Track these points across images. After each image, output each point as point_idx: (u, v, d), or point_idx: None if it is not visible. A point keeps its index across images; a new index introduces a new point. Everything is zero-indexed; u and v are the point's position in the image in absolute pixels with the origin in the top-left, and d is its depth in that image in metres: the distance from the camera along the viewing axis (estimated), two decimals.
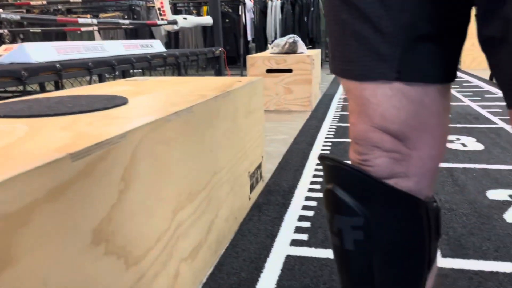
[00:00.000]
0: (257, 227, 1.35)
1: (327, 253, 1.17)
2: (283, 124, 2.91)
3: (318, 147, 2.26)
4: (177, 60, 3.25)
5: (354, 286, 0.58)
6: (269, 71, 3.28)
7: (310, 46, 3.78)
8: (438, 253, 1.15)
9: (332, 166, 0.55)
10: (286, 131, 2.69)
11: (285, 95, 3.33)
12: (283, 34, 5.96)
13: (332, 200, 0.55)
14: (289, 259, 1.15)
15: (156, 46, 3.33)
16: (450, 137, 2.30)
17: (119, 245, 0.70)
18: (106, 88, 1.35)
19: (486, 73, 4.63)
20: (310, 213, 1.44)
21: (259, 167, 1.66)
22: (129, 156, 0.72)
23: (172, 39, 6.70)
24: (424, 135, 0.50)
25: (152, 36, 6.27)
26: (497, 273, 1.04)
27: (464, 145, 2.16)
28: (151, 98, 1.12)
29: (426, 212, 0.53)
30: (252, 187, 1.54)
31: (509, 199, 1.47)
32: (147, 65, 2.77)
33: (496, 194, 1.52)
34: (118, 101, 1.01)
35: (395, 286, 0.55)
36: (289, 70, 3.26)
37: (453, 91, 3.85)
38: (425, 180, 0.53)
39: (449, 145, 2.15)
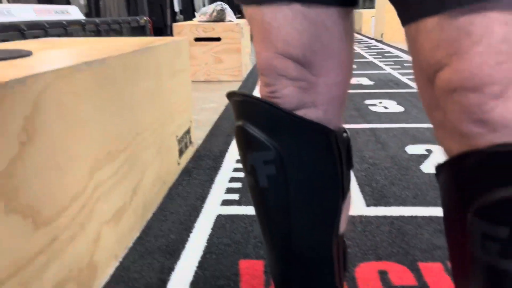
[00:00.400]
0: (186, 190, 1.31)
1: None
2: (214, 94, 2.85)
3: None
4: (98, 27, 3.04)
5: (271, 223, 0.57)
6: (197, 39, 3.18)
7: (239, 15, 3.72)
8: (363, 202, 1.20)
9: (240, 101, 0.54)
10: (216, 100, 2.64)
11: (215, 65, 3.26)
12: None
13: (243, 137, 0.53)
14: (220, 218, 1.13)
15: (73, 13, 3.09)
16: (373, 101, 2.40)
17: (24, 203, 0.63)
18: (10, 45, 1.21)
19: (405, 45, 4.89)
20: (242, 174, 1.43)
21: (188, 132, 1.61)
22: (30, 105, 0.64)
23: (93, 9, 6.27)
24: (329, 60, 0.50)
25: (68, 3, 5.81)
26: (416, 217, 1.10)
27: (386, 107, 2.26)
28: (60, 51, 1.02)
29: (336, 141, 0.53)
30: (181, 152, 1.49)
31: (425, 152, 1.57)
32: (63, 32, 2.56)
33: (414, 149, 1.61)
34: (23, 53, 0.90)
35: (311, 218, 0.56)
36: (218, 39, 3.19)
37: (376, 61, 4.03)
38: (333, 109, 0.53)
39: (372, 108, 2.24)
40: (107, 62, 0.89)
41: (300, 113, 0.51)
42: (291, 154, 0.52)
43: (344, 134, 0.55)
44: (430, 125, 1.62)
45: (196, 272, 0.90)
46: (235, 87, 3.10)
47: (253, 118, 0.52)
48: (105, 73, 0.89)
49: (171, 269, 0.92)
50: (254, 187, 0.55)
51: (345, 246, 0.62)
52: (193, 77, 3.15)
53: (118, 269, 0.92)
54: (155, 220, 1.13)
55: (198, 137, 1.84)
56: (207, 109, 2.44)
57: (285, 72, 0.50)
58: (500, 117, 0.36)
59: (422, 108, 2.10)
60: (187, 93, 1.59)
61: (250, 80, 3.33)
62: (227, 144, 1.75)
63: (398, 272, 0.88)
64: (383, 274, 0.87)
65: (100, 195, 0.87)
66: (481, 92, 0.36)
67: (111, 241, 0.92)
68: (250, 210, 1.17)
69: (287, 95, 0.51)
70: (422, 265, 0.90)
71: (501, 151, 0.36)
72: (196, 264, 0.93)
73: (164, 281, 0.88)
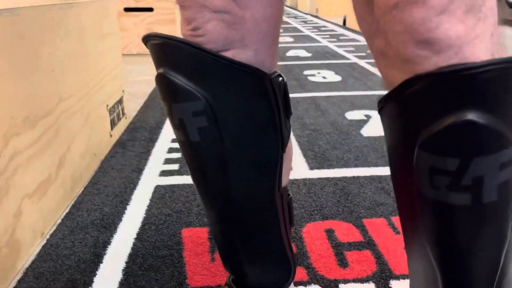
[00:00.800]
0: (121, 163, 1.22)
1: None
2: (147, 67, 2.71)
3: None
4: None
5: (208, 180, 0.52)
6: (127, 9, 2.99)
7: None
8: (306, 166, 1.18)
9: (159, 45, 0.46)
10: (150, 73, 2.50)
11: None
12: None
13: (166, 86, 0.47)
14: (159, 189, 1.06)
15: None
16: (312, 71, 2.41)
17: None
18: None
19: (340, 20, 4.97)
20: None
21: (120, 102, 1.50)
22: None
23: None
24: None
25: None
26: (358, 177, 1.11)
27: (324, 77, 2.28)
28: None
29: (272, 86, 0.48)
30: (113, 123, 1.39)
31: (364, 118, 1.59)
32: None
33: (353, 115, 1.63)
34: None
35: (250, 170, 0.51)
36: (150, 9, 3.01)
37: (313, 35, 4.05)
38: (264, 49, 0.47)
39: (311, 78, 2.25)
40: (19, 13, 0.78)
41: (228, 54, 0.45)
42: (222, 103, 0.46)
43: (280, 78, 0.49)
44: (367, 92, 1.64)
45: (134, 244, 0.84)
46: None
47: (176, 64, 0.46)
48: (17, 25, 0.78)
49: (106, 243, 0.84)
50: (185, 142, 0.49)
51: (290, 199, 0.58)
52: (125, 50, 2.97)
53: (45, 247, 0.83)
54: (87, 194, 1.03)
55: (131, 109, 1.73)
56: (140, 81, 2.31)
57: (208, 2, 0.43)
58: (445, 36, 0.33)
59: (358, 77, 2.15)
60: (116, 60, 1.47)
61: None
62: (164, 116, 1.66)
63: (344, 230, 0.87)
64: (329, 233, 0.86)
65: (19, 165, 0.77)
66: (424, 4, 0.33)
67: (35, 216, 0.82)
68: (189, 179, 1.11)
69: (211, 31, 0.44)
70: (366, 222, 0.90)
71: (447, 72, 0.34)
72: (134, 236, 0.86)
73: (99, 255, 0.80)
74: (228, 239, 0.57)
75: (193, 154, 0.50)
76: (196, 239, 0.85)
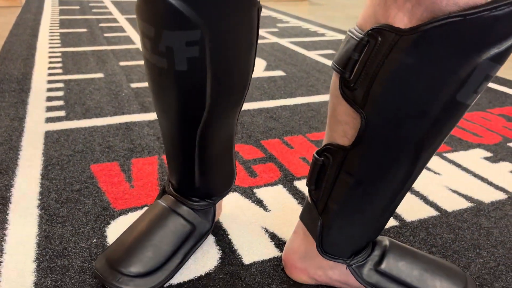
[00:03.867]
0: None
1: (95, 122, 1.08)
2: None
3: (45, 38, 1.95)
4: None
5: (184, 108, 0.51)
6: None
7: None
8: None
9: None
10: None
11: None
12: None
13: (162, 10, 0.43)
14: (51, 134, 1.01)
15: None
16: None
17: None
18: None
19: None
20: (60, 93, 1.28)
21: None
22: None
23: None
24: None
25: None
26: (248, 110, 1.21)
27: None
28: None
29: (258, 14, 0.49)
30: None
31: None
32: None
33: None
34: None
35: (226, 99, 0.52)
36: None
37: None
38: None
39: None
40: None
41: None
42: (217, 32, 0.45)
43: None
44: None
45: (42, 183, 0.80)
46: (15, 11, 2.61)
47: None
48: None
49: (8, 185, 0.79)
50: (164, 70, 0.47)
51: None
52: None
53: None
54: None
55: None
56: None
57: None
58: None
59: None
60: None
61: (33, 4, 2.85)
62: (29, 67, 1.51)
63: (247, 150, 0.97)
64: (236, 154, 0.95)
65: None
66: None
67: None
68: (85, 123, 1.07)
69: None
70: (264, 142, 1.01)
71: None
72: (39, 176, 0.82)
73: (5, 198, 0.75)
74: (190, 157, 0.57)
75: (173, 82, 0.48)
76: (108, 172, 0.85)
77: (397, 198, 0.49)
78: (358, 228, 0.52)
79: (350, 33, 0.43)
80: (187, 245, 0.60)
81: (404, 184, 0.47)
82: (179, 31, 0.43)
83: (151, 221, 0.61)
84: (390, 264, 0.55)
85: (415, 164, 0.45)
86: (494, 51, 0.36)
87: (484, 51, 0.36)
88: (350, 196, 0.48)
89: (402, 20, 0.38)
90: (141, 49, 0.48)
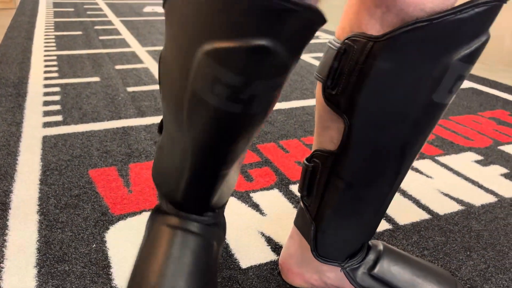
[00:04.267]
0: None
1: (92, 127, 1.09)
2: None
3: (40, 41, 1.96)
4: None
5: (231, 141, 0.44)
6: None
7: None
8: None
9: (265, 12, 0.33)
10: None
11: None
12: None
13: (264, 62, 0.35)
14: (48, 139, 1.01)
15: None
16: None
17: None
18: None
19: None
20: (56, 98, 1.28)
21: None
22: None
23: None
24: None
25: None
26: None
27: None
28: None
29: None
30: None
31: None
32: None
33: None
34: None
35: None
36: None
37: None
38: None
39: None
40: None
41: None
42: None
43: None
44: None
45: (41, 189, 0.81)
46: (9, 14, 2.61)
47: (281, 33, 0.34)
48: None
49: (7, 191, 0.80)
50: (234, 115, 0.40)
51: None
52: None
53: None
54: None
55: None
56: None
57: None
58: None
59: None
60: None
61: (27, 7, 2.84)
62: (25, 71, 1.52)
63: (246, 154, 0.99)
64: None
65: None
66: None
67: None
68: (83, 128, 1.08)
69: None
70: (260, 146, 1.03)
71: None
72: (37, 182, 0.83)
73: (5, 203, 0.76)
74: (214, 174, 0.49)
75: (235, 123, 0.41)
76: (106, 177, 0.86)
77: (387, 199, 0.51)
78: (351, 231, 0.53)
79: (329, 44, 0.45)
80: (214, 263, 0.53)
81: (392, 185, 0.49)
82: (274, 78, 0.38)
83: (168, 248, 0.51)
84: (383, 269, 0.56)
85: (402, 164, 0.47)
86: (464, 52, 0.39)
87: (453, 53, 0.39)
88: (342, 200, 0.50)
89: (374, 27, 0.40)
90: (191, 86, 0.39)
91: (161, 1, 3.37)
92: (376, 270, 0.56)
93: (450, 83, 0.41)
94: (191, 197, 0.52)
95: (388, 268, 0.56)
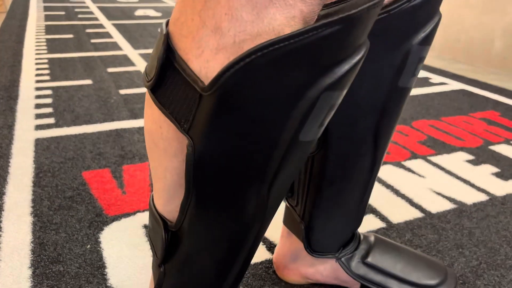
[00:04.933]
0: None
1: (85, 129, 1.09)
2: None
3: (31, 44, 1.95)
4: None
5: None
6: None
7: None
8: None
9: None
10: None
11: None
12: None
13: (350, 75, 0.29)
14: (41, 141, 1.01)
15: None
16: None
17: None
18: None
19: None
20: (48, 100, 1.28)
21: None
22: None
23: None
24: None
25: None
26: None
27: None
28: None
29: None
30: None
31: None
32: None
33: None
34: None
35: None
36: None
37: None
38: None
39: None
40: None
41: None
42: None
43: None
44: None
45: (34, 191, 0.80)
46: (0, 17, 2.59)
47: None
48: None
49: (0, 193, 0.79)
50: (286, 140, 0.30)
51: None
52: None
53: None
54: None
55: None
56: None
57: None
58: None
59: None
60: None
61: (18, 10, 2.82)
62: (16, 75, 1.51)
63: None
64: None
65: None
66: None
67: None
68: (76, 130, 1.08)
69: None
70: None
71: None
72: (31, 184, 0.83)
73: None
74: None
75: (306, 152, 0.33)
76: (100, 178, 0.86)
77: (369, 186, 0.53)
78: (340, 223, 0.55)
79: None
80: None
81: (372, 171, 0.51)
82: (344, 89, 0.31)
83: None
84: (376, 257, 0.58)
85: (377, 151, 0.49)
86: (421, 35, 0.41)
87: (413, 38, 0.41)
88: (325, 196, 0.52)
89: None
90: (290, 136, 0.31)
91: (153, 4, 3.35)
92: (369, 258, 0.58)
93: (412, 67, 0.43)
94: None
95: (381, 257, 0.58)
